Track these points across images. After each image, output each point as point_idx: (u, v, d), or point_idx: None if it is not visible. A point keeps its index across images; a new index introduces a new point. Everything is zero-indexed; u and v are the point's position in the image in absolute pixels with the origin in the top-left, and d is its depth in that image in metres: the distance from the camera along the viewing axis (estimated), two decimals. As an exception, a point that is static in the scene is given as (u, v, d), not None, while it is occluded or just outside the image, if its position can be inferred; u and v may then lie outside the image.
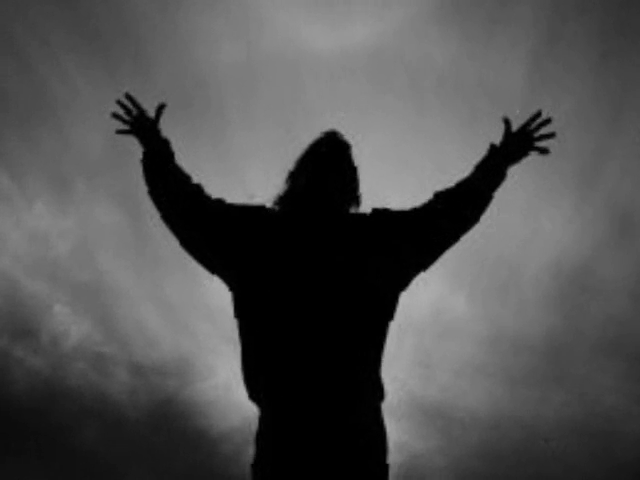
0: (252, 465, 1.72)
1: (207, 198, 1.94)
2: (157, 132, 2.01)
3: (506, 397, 8.04)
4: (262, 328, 1.76)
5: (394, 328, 1.83)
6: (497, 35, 7.46)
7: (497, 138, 2.03)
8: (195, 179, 1.99)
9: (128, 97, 2.03)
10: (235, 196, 1.97)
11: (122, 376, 8.39)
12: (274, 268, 1.79)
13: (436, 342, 8.17)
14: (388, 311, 1.82)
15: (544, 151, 2.02)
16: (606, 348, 7.95)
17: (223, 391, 8.14)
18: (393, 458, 1.73)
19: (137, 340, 8.47)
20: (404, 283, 1.87)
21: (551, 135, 2.00)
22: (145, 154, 1.99)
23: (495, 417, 7.95)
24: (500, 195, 2.00)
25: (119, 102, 2.02)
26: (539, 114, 2.01)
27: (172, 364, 8.37)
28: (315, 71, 7.64)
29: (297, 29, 7.51)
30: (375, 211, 1.92)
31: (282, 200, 1.94)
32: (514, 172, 2.03)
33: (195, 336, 8.36)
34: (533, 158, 2.04)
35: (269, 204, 1.96)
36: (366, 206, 1.97)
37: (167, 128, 2.05)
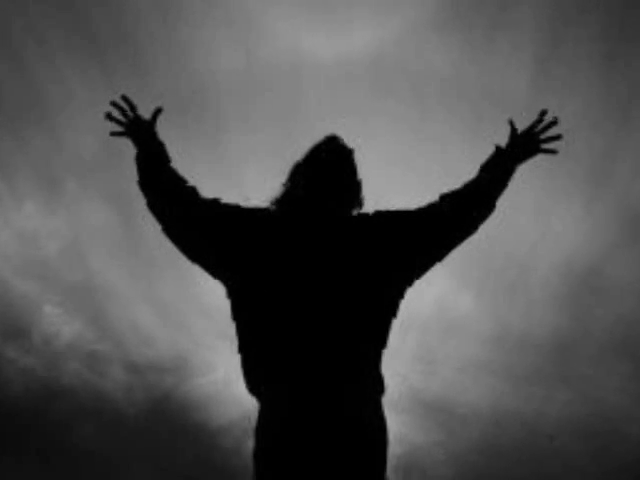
0: (254, 456, 1.75)
1: (203, 200, 1.95)
2: (153, 134, 2.01)
3: (509, 394, 8.09)
4: (261, 325, 1.78)
5: (397, 324, 1.85)
6: (499, 40, 7.50)
7: (502, 141, 2.03)
8: (191, 182, 1.99)
9: (124, 99, 2.02)
10: (232, 199, 1.98)
11: (117, 374, 8.42)
12: (273, 266, 1.81)
13: (440, 339, 8.25)
14: (388, 309, 1.84)
15: (551, 152, 2.02)
16: (614, 349, 7.99)
17: (222, 386, 8.21)
18: (392, 449, 1.74)
19: (131, 339, 8.51)
20: (407, 283, 1.88)
21: (557, 137, 2.01)
22: (138, 155, 1.99)
23: (497, 413, 8.00)
24: (509, 195, 2.00)
25: (114, 103, 2.02)
26: (545, 113, 2.01)
27: (168, 361, 8.41)
28: (315, 78, 7.68)
29: (297, 38, 7.56)
30: (378, 212, 1.93)
31: (280, 201, 1.94)
32: (523, 173, 2.04)
33: (191, 333, 8.41)
34: (542, 159, 2.05)
35: (266, 205, 1.96)
36: (371, 209, 1.97)
37: (164, 132, 2.05)
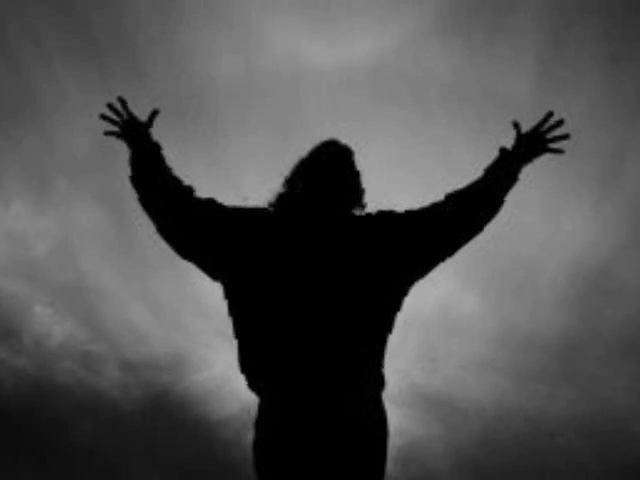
0: (253, 447, 1.76)
1: (198, 199, 1.95)
2: (148, 136, 2.01)
3: (512, 391, 8.13)
4: (260, 325, 1.78)
5: (399, 323, 1.86)
6: (499, 44, 7.54)
7: (507, 142, 2.03)
8: (187, 182, 2.00)
9: (120, 100, 2.02)
10: (229, 201, 1.98)
11: (113, 372, 8.44)
12: (271, 266, 1.81)
13: (442, 338, 8.30)
14: (389, 308, 1.84)
15: (558, 152, 2.02)
16: (623, 349, 8.02)
17: (221, 381, 8.25)
18: (392, 441, 1.77)
19: (126, 338, 8.53)
20: (409, 283, 1.89)
21: (565, 136, 2.00)
22: (132, 156, 1.99)
23: (499, 409, 8.05)
24: (517, 196, 2.00)
25: (110, 105, 2.02)
26: (550, 115, 2.01)
27: (165, 359, 8.44)
28: (315, 85, 7.72)
29: (297, 46, 7.61)
30: (380, 212, 1.93)
31: (279, 202, 1.95)
32: (531, 173, 2.03)
33: (188, 332, 8.43)
34: (549, 158, 2.04)
35: (264, 206, 1.96)
36: (373, 210, 1.97)
37: (161, 134, 2.05)
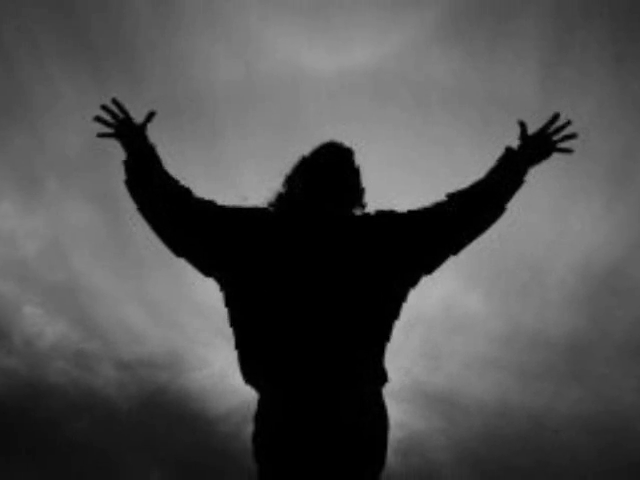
0: (253, 440, 1.78)
1: (197, 199, 1.94)
2: (144, 137, 2.00)
3: (517, 389, 8.16)
4: (258, 325, 1.79)
5: (401, 322, 1.87)
6: (502, 49, 7.58)
7: (511, 143, 2.02)
8: (184, 184, 1.99)
9: (115, 102, 2.01)
10: (228, 202, 1.97)
11: (108, 371, 8.45)
12: (270, 266, 1.81)
13: (445, 336, 8.34)
14: (389, 308, 1.84)
15: (567, 151, 2.01)
16: (633, 350, 8.03)
17: (219, 378, 8.27)
18: (392, 433, 1.79)
19: (121, 337, 8.53)
20: (410, 283, 1.88)
21: (573, 136, 1.99)
22: (128, 157, 1.98)
23: (502, 406, 8.07)
24: (523, 195, 1.99)
25: (104, 106, 2.01)
26: (557, 116, 2.00)
27: (162, 358, 8.45)
28: (315, 90, 7.75)
29: (297, 53, 7.65)
30: (380, 212, 1.93)
31: (278, 202, 1.95)
32: (538, 172, 2.02)
33: (185, 331, 8.45)
34: (557, 158, 2.03)
35: (265, 205, 1.97)
36: (373, 210, 1.96)
37: (157, 136, 2.04)
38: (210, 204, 1.93)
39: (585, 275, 7.99)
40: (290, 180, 1.95)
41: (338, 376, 1.73)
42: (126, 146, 1.98)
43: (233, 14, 7.70)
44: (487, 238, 1.95)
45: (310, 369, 1.72)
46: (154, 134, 2.02)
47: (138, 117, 2.01)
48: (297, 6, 7.61)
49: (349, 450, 1.67)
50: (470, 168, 2.04)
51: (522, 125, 2.00)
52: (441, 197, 1.94)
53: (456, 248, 1.91)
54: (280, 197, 1.95)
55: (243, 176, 7.15)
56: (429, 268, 1.89)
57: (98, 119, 2.00)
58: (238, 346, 1.82)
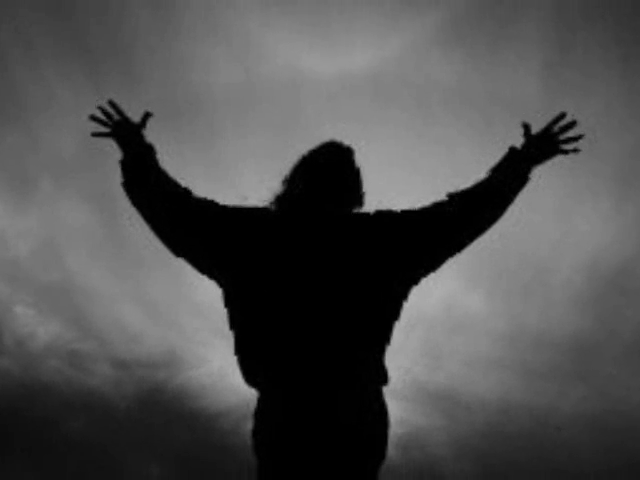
0: (253, 435, 1.79)
1: (197, 199, 1.95)
2: (141, 137, 2.00)
3: (520, 388, 8.18)
4: (258, 325, 1.79)
5: (402, 321, 1.87)
6: (503, 51, 7.61)
7: (513, 143, 2.01)
8: (183, 184, 1.99)
9: (111, 104, 2.02)
10: (229, 202, 1.97)
11: (104, 370, 8.45)
12: (270, 266, 1.81)
13: (447, 336, 8.36)
14: (390, 307, 1.84)
15: (573, 152, 2.00)
16: None
17: (218, 377, 8.31)
18: (393, 430, 1.82)
19: (117, 336, 8.54)
20: (410, 283, 1.88)
21: (578, 137, 1.98)
22: (124, 157, 1.98)
23: (505, 404, 8.09)
24: (526, 195, 1.98)
25: (100, 107, 2.01)
26: (562, 116, 1.99)
27: (159, 357, 8.46)
28: (315, 91, 7.77)
29: (297, 56, 7.68)
30: (378, 212, 1.93)
31: (279, 201, 1.95)
32: (542, 172, 2.01)
33: (183, 330, 8.47)
34: (562, 158, 2.01)
35: (265, 205, 1.97)
36: (372, 209, 1.97)
37: (156, 138, 2.04)
38: (210, 204, 1.93)
39: (592, 275, 8.00)
40: (290, 179, 1.95)
41: (338, 376, 1.73)
42: (122, 146, 1.98)
43: (233, 19, 7.72)
44: (488, 238, 1.94)
45: (310, 369, 1.73)
46: (153, 135, 2.02)
47: (136, 118, 2.01)
48: (297, 11, 7.64)
49: (349, 446, 1.69)
50: (472, 169, 2.03)
51: (526, 127, 1.99)
52: (442, 197, 1.93)
53: (456, 248, 1.90)
54: (280, 197, 1.95)
55: (242, 177, 7.16)
56: (429, 268, 1.89)
57: (93, 118, 2.00)
58: (238, 346, 1.82)
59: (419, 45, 7.63)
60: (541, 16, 7.44)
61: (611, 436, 7.65)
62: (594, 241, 7.90)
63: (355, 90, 7.72)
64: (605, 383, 8.06)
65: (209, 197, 1.95)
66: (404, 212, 1.91)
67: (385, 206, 1.93)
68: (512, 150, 1.98)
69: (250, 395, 1.84)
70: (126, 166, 1.96)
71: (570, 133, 1.97)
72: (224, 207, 1.93)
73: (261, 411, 1.79)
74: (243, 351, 1.81)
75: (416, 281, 1.88)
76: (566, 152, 1.98)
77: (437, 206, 1.91)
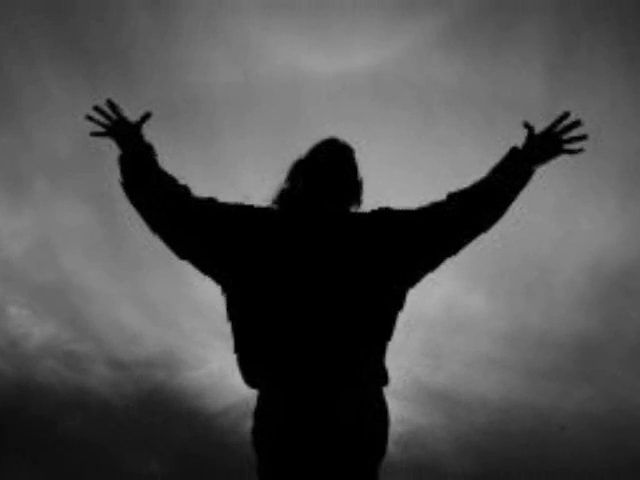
0: (252, 432, 1.80)
1: (197, 198, 1.95)
2: (140, 136, 2.00)
3: (522, 387, 8.17)
4: (259, 325, 1.79)
5: (401, 322, 1.87)
6: (505, 53, 7.64)
7: (516, 144, 2.00)
8: (182, 182, 1.99)
9: (109, 103, 2.01)
10: (230, 200, 1.98)
11: (101, 371, 8.43)
12: (271, 265, 1.82)
13: (447, 336, 8.36)
14: (390, 307, 1.85)
15: (575, 152, 1.99)
16: None
17: (218, 378, 8.28)
18: (393, 428, 1.82)
19: (115, 337, 8.50)
20: (409, 283, 1.89)
21: (583, 137, 1.97)
22: (123, 156, 1.98)
23: (507, 403, 8.10)
24: (528, 194, 1.97)
25: (97, 107, 2.01)
26: (566, 116, 1.98)
27: (158, 357, 8.43)
28: (314, 91, 7.80)
29: (297, 57, 7.71)
30: (375, 211, 1.93)
31: (280, 199, 1.95)
32: (544, 172, 2.01)
33: (182, 331, 8.45)
34: (565, 158, 2.01)
35: (266, 204, 1.97)
36: (369, 208, 1.97)
37: (155, 137, 2.03)
38: (210, 202, 1.93)
39: (596, 275, 8.00)
40: (291, 177, 1.95)
41: (339, 375, 1.74)
42: (121, 145, 1.98)
43: (233, 20, 7.74)
44: (489, 237, 1.94)
45: (311, 368, 1.74)
46: (152, 135, 2.02)
47: (134, 119, 2.00)
48: (297, 12, 7.66)
49: (349, 443, 1.70)
50: (473, 169, 2.03)
51: (528, 127, 1.98)
52: (441, 197, 1.93)
53: (455, 248, 1.90)
54: (282, 195, 1.95)
55: (242, 176, 7.17)
56: (427, 268, 1.89)
57: (90, 118, 2.00)
58: (238, 345, 1.83)
59: (420, 47, 7.66)
60: (543, 19, 7.47)
61: (615, 436, 7.68)
62: (598, 241, 7.92)
63: (355, 90, 7.73)
64: (610, 383, 8.10)
65: (210, 195, 1.95)
66: (402, 212, 1.91)
67: (381, 204, 1.93)
68: (513, 150, 1.97)
69: (249, 395, 1.84)
70: (125, 165, 1.96)
71: (574, 133, 1.97)
72: (224, 205, 1.93)
73: (261, 410, 1.80)
74: (243, 350, 1.81)
75: (415, 281, 1.88)
76: (569, 152, 1.98)
77: (436, 206, 1.91)
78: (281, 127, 7.60)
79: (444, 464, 7.73)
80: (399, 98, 7.77)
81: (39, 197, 8.26)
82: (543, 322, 8.20)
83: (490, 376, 8.19)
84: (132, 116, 2.01)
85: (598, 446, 7.63)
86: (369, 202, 1.97)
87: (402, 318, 1.86)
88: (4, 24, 7.43)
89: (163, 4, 7.61)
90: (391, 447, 1.80)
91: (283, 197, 1.94)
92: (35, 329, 8.41)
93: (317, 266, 1.80)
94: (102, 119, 1.99)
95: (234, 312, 1.84)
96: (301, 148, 1.96)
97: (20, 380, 8.15)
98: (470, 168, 2.06)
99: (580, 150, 1.98)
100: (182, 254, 1.91)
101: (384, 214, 1.91)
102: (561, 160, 2.00)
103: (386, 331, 1.83)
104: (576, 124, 1.96)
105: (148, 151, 1.98)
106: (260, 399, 1.81)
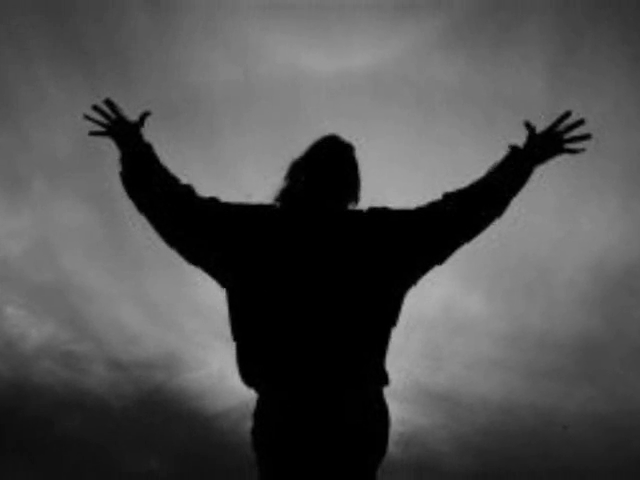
0: (252, 433, 1.80)
1: (200, 198, 1.95)
2: (139, 136, 2.00)
3: (524, 388, 8.16)
4: (260, 325, 1.79)
5: (401, 324, 1.87)
6: (506, 54, 7.64)
7: (516, 143, 2.00)
8: (185, 181, 1.99)
9: (108, 102, 2.02)
10: (232, 199, 1.98)
11: (100, 371, 8.40)
12: (274, 264, 1.82)
13: (447, 338, 8.34)
14: (389, 307, 1.85)
15: (576, 151, 1.99)
16: None
17: (218, 379, 8.24)
18: (393, 428, 1.83)
19: (115, 338, 8.46)
20: (406, 284, 1.88)
21: (586, 137, 1.97)
22: (123, 156, 1.98)
23: (508, 403, 8.10)
24: (527, 194, 1.97)
25: (96, 107, 2.01)
26: (567, 115, 1.98)
27: (158, 358, 8.41)
28: (314, 89, 7.80)
29: (296, 56, 7.72)
30: (372, 209, 1.93)
31: (282, 197, 1.96)
32: (544, 171, 2.00)
33: (183, 332, 8.40)
34: (566, 158, 2.01)
35: (268, 201, 1.97)
36: (366, 206, 1.97)
37: (154, 136, 2.04)
38: (213, 202, 1.93)
39: (598, 275, 7.98)
40: (292, 174, 1.95)
41: (340, 375, 1.74)
42: (121, 145, 1.98)
43: (232, 21, 7.76)
44: (485, 237, 1.94)
45: (311, 368, 1.74)
46: (152, 135, 2.03)
47: (133, 118, 2.01)
48: (296, 13, 7.67)
49: (348, 442, 1.70)
50: (473, 168, 2.03)
51: (529, 126, 1.98)
52: (438, 197, 1.93)
53: (450, 249, 1.90)
54: (283, 192, 1.95)
55: (243, 175, 7.17)
56: (425, 268, 1.89)
57: (88, 117, 2.00)
58: (238, 346, 1.83)
59: (420, 46, 7.67)
60: (544, 19, 7.47)
61: (618, 436, 7.70)
62: (600, 240, 7.91)
63: (355, 89, 7.74)
64: (612, 383, 8.10)
65: (212, 195, 1.96)
66: (399, 212, 1.91)
67: (380, 203, 1.94)
68: (514, 149, 1.97)
69: (249, 397, 1.84)
70: (125, 167, 1.96)
71: (575, 132, 1.96)
72: (226, 205, 1.93)
73: (261, 411, 1.80)
74: (243, 351, 1.82)
75: (414, 281, 1.89)
76: (571, 151, 1.98)
77: (433, 205, 1.91)
78: (281, 126, 7.60)
79: (445, 464, 7.76)
80: (399, 97, 7.78)
81: (37, 197, 8.25)
82: (544, 322, 8.22)
83: (491, 377, 8.21)
84: (131, 116, 2.01)
85: (600, 446, 7.65)
86: (369, 200, 1.97)
87: (401, 320, 1.87)
88: (2, 24, 7.44)
89: (162, 4, 7.63)
90: (392, 448, 1.82)
91: (285, 195, 1.94)
92: (32, 329, 8.41)
93: (318, 265, 1.80)
94: (101, 118, 1.99)
95: (236, 313, 1.84)
96: (301, 146, 1.97)
97: (17, 380, 8.15)
98: (470, 167, 2.05)
99: (581, 149, 1.98)
100: (191, 259, 1.91)
101: (382, 213, 1.91)
102: (562, 160, 2.00)
103: (386, 331, 1.83)
104: (579, 123, 1.96)
105: (148, 150, 1.98)
106: (260, 400, 1.81)
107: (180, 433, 8.09)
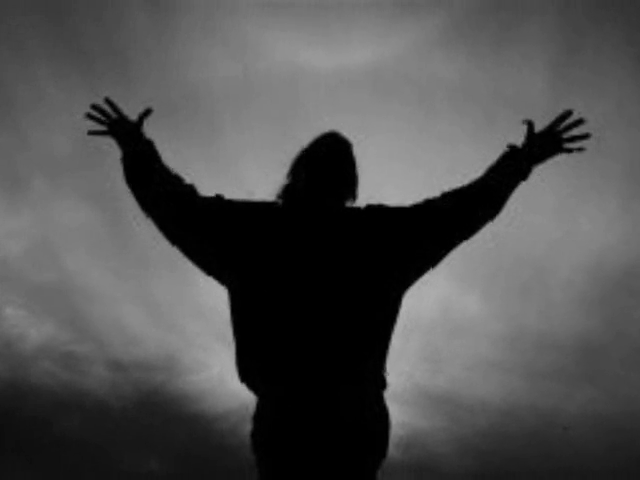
0: (252, 435, 1.80)
1: (202, 198, 1.95)
2: (140, 134, 2.00)
3: (524, 390, 8.16)
4: (260, 324, 1.80)
5: (399, 327, 1.87)
6: (507, 53, 7.64)
7: (516, 141, 2.00)
8: (187, 180, 2.00)
9: (108, 101, 2.03)
10: (234, 196, 1.98)
11: (100, 372, 8.40)
12: (274, 263, 1.82)
13: (445, 340, 8.34)
14: (389, 308, 1.85)
15: (578, 150, 1.98)
16: None
17: (217, 382, 8.24)
18: (394, 431, 1.83)
19: (116, 338, 8.45)
20: (404, 284, 1.88)
21: (585, 136, 1.96)
22: (126, 155, 1.98)
23: (508, 405, 8.10)
24: (524, 193, 1.98)
25: (95, 106, 2.02)
26: (568, 114, 1.97)
27: (159, 360, 8.40)
28: (313, 85, 7.80)
29: (296, 53, 7.72)
30: (369, 206, 1.93)
31: (283, 194, 1.97)
32: (542, 170, 2.00)
33: (184, 334, 8.38)
34: (566, 158, 2.01)
35: (271, 199, 1.98)
36: (363, 203, 1.98)
37: (154, 134, 2.05)
38: (217, 201, 1.94)
39: (597, 275, 7.97)
40: (293, 172, 1.96)
41: (340, 374, 1.74)
42: (122, 144, 1.98)
43: (231, 19, 7.76)
44: (480, 238, 1.94)
45: (308, 365, 1.74)
46: (152, 133, 2.04)
47: (132, 117, 2.02)
48: (296, 9, 7.67)
49: (349, 444, 1.70)
50: (473, 166, 2.04)
51: (529, 124, 1.98)
52: (435, 194, 1.94)
53: (446, 249, 1.90)
54: (285, 189, 1.96)
55: (243, 171, 7.17)
56: (423, 268, 1.90)
57: (89, 116, 2.01)
58: (237, 346, 1.83)
59: (420, 44, 7.67)
60: (545, 17, 7.46)
61: (619, 436, 7.70)
62: (600, 241, 7.90)
63: (354, 85, 7.74)
64: (613, 384, 8.10)
65: (214, 192, 1.97)
66: (395, 209, 1.91)
67: (379, 200, 1.95)
68: (512, 148, 1.97)
69: (249, 400, 1.85)
70: (127, 166, 1.96)
71: (575, 131, 1.96)
72: (231, 202, 1.94)
73: (260, 414, 1.80)
74: (242, 349, 1.82)
75: (411, 281, 1.89)
76: (570, 151, 1.97)
77: (429, 203, 1.92)
78: (281, 122, 7.61)
79: (446, 466, 7.76)
80: (399, 94, 7.78)
81: (37, 197, 8.24)
82: (543, 323, 8.22)
83: (490, 378, 8.20)
84: (131, 115, 2.02)
85: (601, 447, 7.65)
86: (369, 197, 1.98)
87: (400, 321, 1.86)
88: (1, 24, 7.45)
89: (161, 3, 7.63)
90: (392, 450, 1.81)
91: (286, 192, 1.95)
92: (32, 330, 8.40)
93: (319, 264, 1.80)
94: (101, 117, 2.00)
95: (237, 314, 1.84)
96: (301, 142, 1.98)
97: (15, 381, 8.14)
98: (470, 165, 2.06)
99: (581, 149, 1.97)
100: (196, 259, 1.92)
101: (380, 211, 1.91)
102: (562, 159, 2.00)
103: (386, 333, 1.83)
104: (579, 122, 1.96)
105: (150, 148, 1.98)
106: (259, 403, 1.81)
107: (180, 434, 8.11)
